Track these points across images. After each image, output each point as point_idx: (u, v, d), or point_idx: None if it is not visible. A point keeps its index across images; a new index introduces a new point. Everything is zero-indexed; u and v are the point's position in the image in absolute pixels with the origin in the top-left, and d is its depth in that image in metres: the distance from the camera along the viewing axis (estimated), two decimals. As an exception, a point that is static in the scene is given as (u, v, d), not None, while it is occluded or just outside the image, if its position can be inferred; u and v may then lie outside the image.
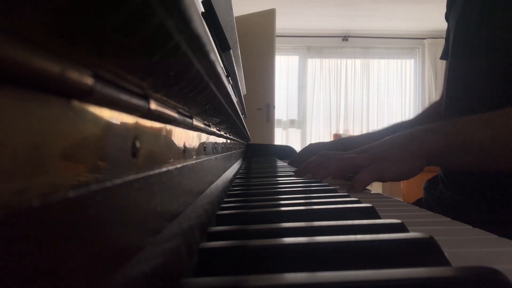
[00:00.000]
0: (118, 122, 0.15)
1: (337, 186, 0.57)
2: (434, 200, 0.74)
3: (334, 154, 0.63)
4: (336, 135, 4.62)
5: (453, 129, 0.52)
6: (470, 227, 0.33)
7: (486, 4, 0.64)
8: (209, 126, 0.37)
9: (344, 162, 0.58)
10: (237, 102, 0.56)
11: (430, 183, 0.80)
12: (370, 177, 0.54)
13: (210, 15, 0.36)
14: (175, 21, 0.14)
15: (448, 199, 0.69)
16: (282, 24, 3.87)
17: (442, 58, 0.83)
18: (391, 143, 0.56)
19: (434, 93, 4.64)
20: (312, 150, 0.90)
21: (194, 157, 0.31)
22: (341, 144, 0.88)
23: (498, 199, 0.60)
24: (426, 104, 4.76)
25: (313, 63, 5.04)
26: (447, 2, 0.78)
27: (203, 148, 0.36)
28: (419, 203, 0.79)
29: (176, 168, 0.23)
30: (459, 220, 0.35)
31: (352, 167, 0.58)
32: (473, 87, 0.65)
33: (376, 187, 3.60)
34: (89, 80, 0.11)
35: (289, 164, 1.05)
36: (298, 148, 1.86)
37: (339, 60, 5.04)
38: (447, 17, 0.79)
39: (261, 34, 2.95)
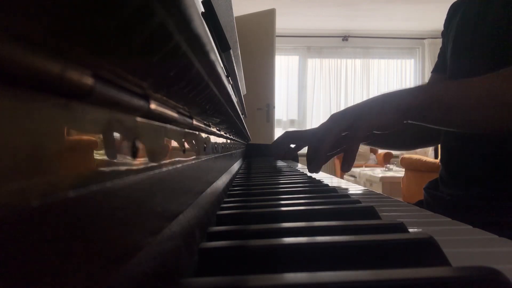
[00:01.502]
0: (118, 122, 0.15)
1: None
2: (435, 200, 0.74)
3: (322, 133, 0.64)
4: (336, 135, 4.61)
5: (427, 88, 0.59)
6: (470, 227, 0.33)
7: (484, 3, 0.65)
8: (209, 126, 0.37)
9: (332, 132, 0.62)
10: (237, 102, 0.56)
11: (430, 184, 0.80)
12: (362, 132, 0.59)
13: (210, 15, 0.36)
14: (175, 21, 0.14)
15: (448, 197, 0.69)
16: (282, 24, 3.87)
17: (434, 71, 0.84)
18: (372, 100, 0.62)
19: (434, 93, 4.64)
20: (290, 136, 0.87)
21: (194, 157, 0.31)
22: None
23: (498, 198, 0.60)
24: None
25: (313, 63, 5.04)
26: (445, 21, 0.80)
27: (203, 148, 0.36)
28: (419, 204, 0.79)
29: (176, 168, 0.23)
30: (460, 221, 0.35)
31: (341, 130, 0.62)
32: None
33: (376, 187, 3.60)
34: (89, 80, 0.11)
35: (273, 155, 1.00)
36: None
37: (339, 60, 5.04)
38: (443, 35, 0.80)
39: (261, 34, 2.95)
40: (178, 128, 0.25)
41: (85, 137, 0.12)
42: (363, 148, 4.85)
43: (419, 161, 3.10)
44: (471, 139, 0.66)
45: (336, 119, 0.63)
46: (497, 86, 0.53)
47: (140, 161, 0.17)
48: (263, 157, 1.65)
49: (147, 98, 0.17)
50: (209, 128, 0.37)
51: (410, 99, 0.58)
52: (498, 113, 0.52)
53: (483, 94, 0.53)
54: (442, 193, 0.72)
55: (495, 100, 0.52)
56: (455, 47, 0.72)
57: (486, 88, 0.53)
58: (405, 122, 0.60)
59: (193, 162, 0.30)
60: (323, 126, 0.65)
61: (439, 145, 0.79)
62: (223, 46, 0.46)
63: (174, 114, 0.21)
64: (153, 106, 0.17)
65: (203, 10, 0.33)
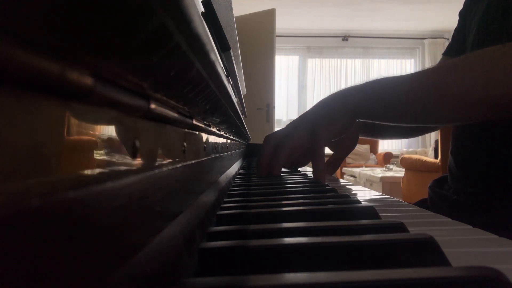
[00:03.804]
0: (118, 122, 0.15)
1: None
2: (441, 199, 0.73)
3: (277, 144, 0.64)
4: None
5: (373, 85, 0.59)
6: (470, 227, 0.33)
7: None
8: (209, 126, 0.37)
9: (290, 151, 0.62)
10: (237, 102, 0.56)
11: (436, 183, 0.79)
12: (321, 158, 0.61)
13: (210, 15, 0.36)
14: (175, 21, 0.14)
15: (454, 195, 0.68)
16: (282, 24, 3.87)
17: (445, 53, 0.81)
18: (320, 107, 0.62)
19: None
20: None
21: (194, 157, 0.31)
22: None
23: (508, 197, 0.59)
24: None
25: (313, 63, 5.04)
26: (465, 1, 0.76)
27: (203, 148, 0.36)
28: (421, 203, 0.78)
29: (176, 168, 0.23)
30: (464, 220, 0.35)
31: (299, 150, 0.63)
32: None
33: (376, 187, 3.60)
34: (89, 80, 0.11)
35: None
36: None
37: (339, 60, 5.04)
38: (461, 14, 0.77)
39: (261, 34, 2.95)
40: (178, 128, 0.25)
41: (85, 137, 0.12)
42: (363, 148, 4.85)
43: (419, 161, 3.10)
44: (482, 129, 0.64)
45: (293, 131, 0.63)
46: (441, 77, 0.51)
47: (140, 161, 0.17)
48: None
49: (147, 98, 0.17)
50: (209, 128, 0.37)
51: (356, 98, 0.58)
52: (445, 106, 0.51)
53: (429, 87, 0.52)
54: (448, 192, 0.72)
55: (438, 93, 0.51)
56: (480, 35, 0.68)
57: (431, 81, 0.52)
58: (357, 120, 0.60)
59: (193, 162, 0.30)
60: (281, 141, 0.64)
61: (451, 136, 0.76)
62: (223, 46, 0.46)
63: (174, 114, 0.21)
64: (153, 106, 0.17)
65: (203, 10, 0.33)
